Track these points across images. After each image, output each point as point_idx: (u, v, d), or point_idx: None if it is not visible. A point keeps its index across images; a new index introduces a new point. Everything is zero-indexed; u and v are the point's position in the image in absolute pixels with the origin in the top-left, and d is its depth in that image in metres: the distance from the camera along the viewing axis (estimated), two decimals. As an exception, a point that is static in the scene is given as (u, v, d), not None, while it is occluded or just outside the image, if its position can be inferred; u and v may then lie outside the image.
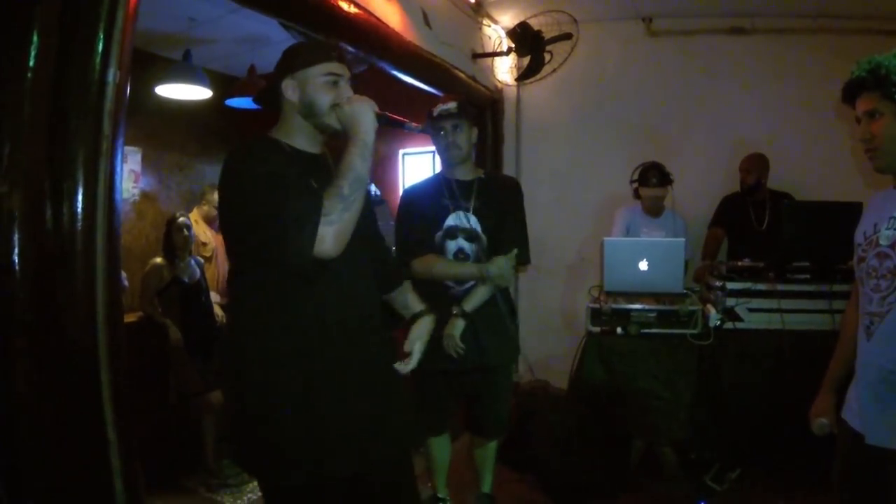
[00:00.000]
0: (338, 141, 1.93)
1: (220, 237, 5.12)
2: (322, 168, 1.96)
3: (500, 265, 2.80)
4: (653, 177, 4.17)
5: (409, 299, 2.32)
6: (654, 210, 4.35)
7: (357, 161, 1.76)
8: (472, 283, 2.94)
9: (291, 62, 1.92)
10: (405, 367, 2.15)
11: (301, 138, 1.95)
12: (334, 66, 1.91)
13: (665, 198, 4.27)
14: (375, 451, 1.97)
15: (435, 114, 2.95)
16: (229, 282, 2.03)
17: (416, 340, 2.22)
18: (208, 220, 5.11)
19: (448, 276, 2.93)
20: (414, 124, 2.02)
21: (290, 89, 1.92)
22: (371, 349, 2.00)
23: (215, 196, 4.99)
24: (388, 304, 2.30)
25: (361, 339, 1.97)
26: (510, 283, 3.00)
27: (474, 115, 3.03)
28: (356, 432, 1.91)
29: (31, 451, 1.49)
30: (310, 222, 1.66)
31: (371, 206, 2.21)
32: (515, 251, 2.83)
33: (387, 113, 1.89)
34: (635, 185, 4.31)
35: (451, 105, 2.95)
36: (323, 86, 1.89)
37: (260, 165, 1.77)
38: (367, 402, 1.95)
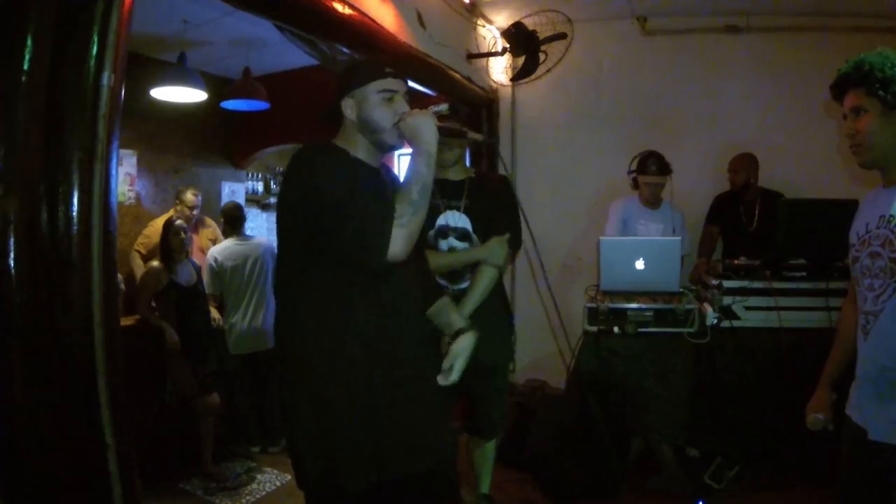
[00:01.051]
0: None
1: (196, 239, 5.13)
2: (381, 181, 2.01)
3: (493, 247, 2.85)
4: (652, 164, 4.12)
5: (451, 317, 2.27)
6: (653, 199, 4.29)
7: (424, 169, 1.83)
8: (466, 283, 2.96)
9: (348, 81, 1.98)
10: (445, 380, 2.11)
11: (361, 151, 1.99)
12: (389, 83, 1.95)
13: (664, 187, 4.22)
14: (426, 454, 2.00)
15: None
16: (283, 285, 2.01)
17: (459, 356, 2.14)
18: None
19: (444, 265, 2.93)
20: (473, 134, 2.08)
21: (348, 108, 1.97)
22: (425, 354, 2.05)
23: (189, 196, 5.03)
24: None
25: (418, 342, 2.02)
26: (505, 266, 3.00)
27: (466, 116, 3.04)
28: (411, 435, 1.95)
29: (29, 455, 1.48)
30: (386, 224, 1.74)
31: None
32: (508, 235, 2.86)
33: (447, 125, 1.98)
34: (633, 174, 4.25)
35: (443, 106, 2.95)
36: (380, 103, 1.93)
37: (335, 169, 1.84)
38: (420, 407, 1.98)
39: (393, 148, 1.99)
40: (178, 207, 5.06)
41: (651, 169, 4.13)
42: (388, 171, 2.15)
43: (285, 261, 1.98)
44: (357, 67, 2.06)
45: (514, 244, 3.00)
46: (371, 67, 2.02)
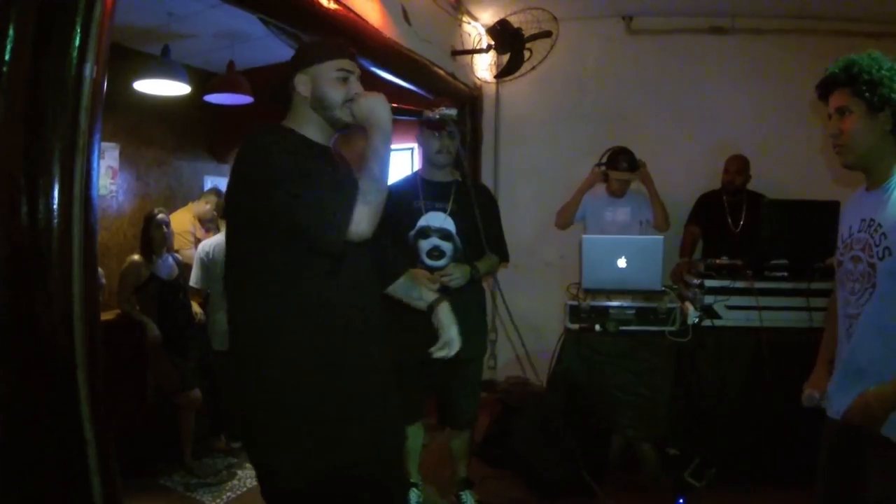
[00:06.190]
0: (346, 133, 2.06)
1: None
2: (331, 159, 2.01)
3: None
4: (623, 161, 4.24)
5: (422, 290, 2.23)
6: (620, 193, 4.42)
7: (381, 147, 1.85)
8: (443, 262, 3.04)
9: (305, 58, 1.99)
10: (450, 351, 2.10)
11: (312, 129, 1.99)
12: (346, 63, 1.98)
13: (632, 182, 4.37)
14: (375, 443, 1.98)
15: (437, 116, 2.98)
16: (231, 271, 1.98)
17: (451, 324, 2.12)
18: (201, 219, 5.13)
19: None
20: (428, 113, 2.10)
21: (302, 84, 1.97)
22: (376, 341, 2.01)
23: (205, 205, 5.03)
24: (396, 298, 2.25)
25: (369, 331, 1.98)
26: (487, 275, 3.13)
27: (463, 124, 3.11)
28: (362, 425, 1.93)
29: (8, 450, 1.47)
30: (346, 203, 1.74)
31: None
32: (468, 267, 3.00)
33: (400, 105, 1.97)
34: (603, 167, 4.34)
35: (454, 112, 2.99)
36: (334, 81, 1.95)
37: (284, 152, 1.82)
38: (372, 394, 1.98)
39: (345, 126, 1.99)
40: (203, 205, 5.11)
41: (622, 165, 4.25)
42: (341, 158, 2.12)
43: (235, 245, 1.95)
44: (317, 45, 2.08)
45: (505, 257, 3.24)
46: (332, 46, 2.04)
